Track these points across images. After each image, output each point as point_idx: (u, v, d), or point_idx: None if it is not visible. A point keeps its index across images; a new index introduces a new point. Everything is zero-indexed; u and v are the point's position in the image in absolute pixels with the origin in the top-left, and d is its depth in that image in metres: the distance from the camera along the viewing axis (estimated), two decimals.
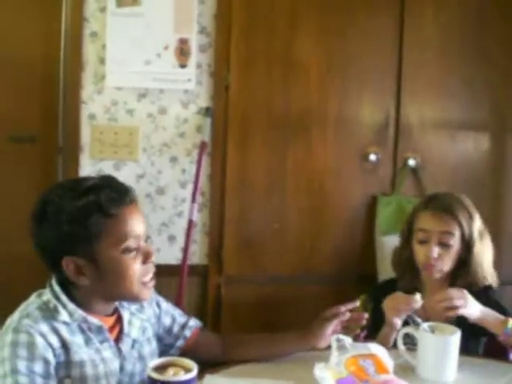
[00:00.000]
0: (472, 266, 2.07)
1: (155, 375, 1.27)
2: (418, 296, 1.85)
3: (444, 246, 2.04)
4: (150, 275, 1.54)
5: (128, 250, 1.48)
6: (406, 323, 1.89)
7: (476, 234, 2.08)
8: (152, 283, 1.56)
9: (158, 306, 1.77)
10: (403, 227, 2.22)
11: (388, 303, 1.93)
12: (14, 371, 1.37)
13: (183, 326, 1.79)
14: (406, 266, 2.16)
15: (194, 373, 1.30)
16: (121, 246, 1.47)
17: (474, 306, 1.87)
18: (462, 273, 2.06)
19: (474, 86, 2.90)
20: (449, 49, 2.87)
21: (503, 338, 1.88)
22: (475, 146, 2.93)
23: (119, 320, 1.62)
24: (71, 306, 1.50)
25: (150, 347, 1.68)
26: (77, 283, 1.49)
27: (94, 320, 1.52)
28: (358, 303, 1.82)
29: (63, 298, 1.51)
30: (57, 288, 1.52)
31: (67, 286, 1.54)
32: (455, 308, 1.84)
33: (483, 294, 1.99)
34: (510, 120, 2.97)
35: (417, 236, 2.09)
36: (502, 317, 1.89)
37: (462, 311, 1.85)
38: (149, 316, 1.72)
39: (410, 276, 2.13)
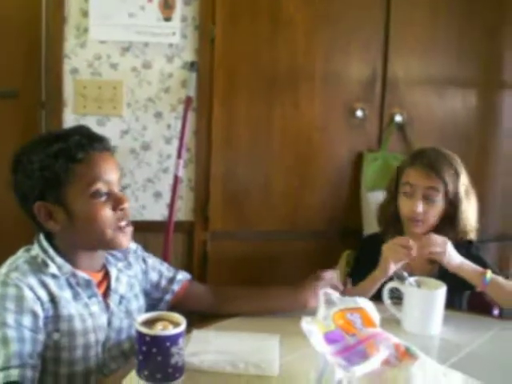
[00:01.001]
0: (457, 223, 2.10)
1: (144, 329, 1.28)
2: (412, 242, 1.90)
3: (428, 200, 2.06)
4: (125, 221, 1.55)
5: (97, 194, 1.50)
6: (390, 278, 1.92)
7: (462, 192, 2.10)
8: (129, 229, 1.57)
9: (144, 261, 1.78)
10: (390, 182, 2.24)
11: (387, 248, 1.95)
12: (3, 324, 1.38)
13: (171, 280, 1.80)
14: (390, 221, 2.21)
15: (183, 327, 1.31)
16: (89, 189, 1.49)
17: (454, 255, 1.92)
18: (447, 228, 2.09)
19: (461, 43, 2.89)
20: (436, 5, 2.85)
21: (481, 289, 1.92)
22: (462, 102, 2.93)
23: (107, 276, 1.62)
24: (59, 259, 1.52)
25: (138, 303, 1.69)
26: (49, 229, 1.52)
27: (82, 274, 1.53)
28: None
29: (51, 252, 1.52)
30: (44, 243, 1.54)
31: (53, 242, 1.54)
32: (436, 254, 1.90)
33: (463, 248, 2.03)
34: (496, 76, 2.97)
35: (402, 189, 2.11)
36: (481, 268, 1.93)
37: (442, 258, 1.91)
38: (136, 272, 1.73)
39: (394, 230, 2.17)
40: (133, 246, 1.77)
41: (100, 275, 1.61)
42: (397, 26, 2.80)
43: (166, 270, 1.82)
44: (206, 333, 1.58)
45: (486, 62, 2.93)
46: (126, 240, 1.57)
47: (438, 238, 1.92)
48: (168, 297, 1.78)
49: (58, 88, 2.67)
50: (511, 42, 2.92)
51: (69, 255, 1.54)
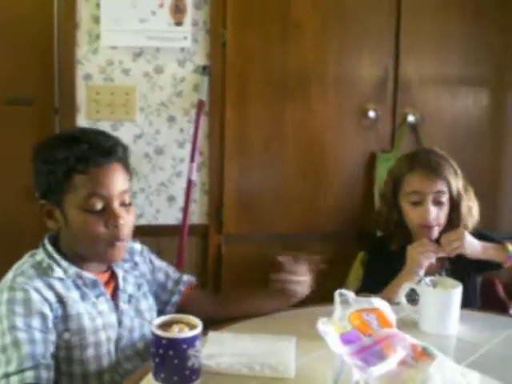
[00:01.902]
0: (461, 219, 2.11)
1: (160, 332, 1.28)
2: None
3: (438, 203, 2.06)
4: (119, 240, 1.53)
5: (91, 208, 1.49)
6: None
7: (462, 189, 2.11)
8: (121, 245, 1.55)
9: (151, 262, 1.78)
10: (384, 191, 2.22)
11: (414, 250, 1.94)
12: (13, 328, 1.39)
13: (177, 282, 1.81)
14: (395, 228, 2.18)
15: (199, 329, 1.31)
16: (83, 203, 1.49)
17: (472, 243, 1.92)
18: (452, 226, 2.09)
19: (474, 42, 2.87)
20: (448, 4, 2.83)
21: (510, 263, 1.92)
22: (474, 101, 2.91)
23: (113, 277, 1.63)
24: (64, 263, 1.53)
25: (147, 302, 1.70)
26: (49, 226, 1.55)
27: (88, 275, 1.54)
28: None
29: (56, 256, 1.54)
30: (49, 247, 1.55)
31: (58, 244, 1.57)
32: (458, 249, 1.90)
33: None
34: (508, 75, 2.95)
35: (409, 199, 2.09)
36: (498, 245, 1.93)
37: (465, 250, 1.90)
38: (143, 272, 1.73)
39: (401, 235, 2.15)
40: (138, 246, 1.77)
41: (106, 275, 1.62)
42: (408, 25, 2.79)
43: (172, 272, 1.83)
44: (222, 335, 1.58)
45: (499, 61, 2.91)
46: (118, 255, 1.56)
47: (452, 235, 1.92)
48: (175, 298, 1.79)
49: (71, 94, 2.69)
50: None
51: (74, 257, 1.55)
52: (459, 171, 2.12)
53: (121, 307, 1.59)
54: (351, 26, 2.78)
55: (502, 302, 2.18)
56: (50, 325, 1.45)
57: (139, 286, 1.69)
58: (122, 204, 1.54)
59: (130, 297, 1.64)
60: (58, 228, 1.56)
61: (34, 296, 1.44)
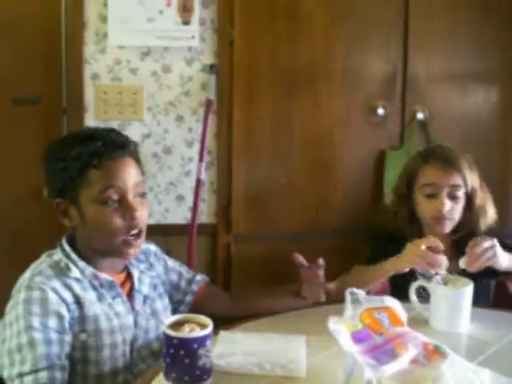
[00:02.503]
0: (476, 215, 2.09)
1: (171, 332, 1.28)
2: (445, 261, 1.79)
3: (453, 198, 2.04)
4: (134, 232, 1.54)
5: (107, 201, 1.51)
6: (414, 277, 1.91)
7: (477, 184, 2.09)
8: (138, 242, 1.56)
9: (165, 262, 1.80)
10: (398, 185, 2.20)
11: (415, 248, 1.85)
12: (29, 328, 1.39)
13: (190, 281, 1.82)
14: (403, 225, 2.15)
15: (210, 329, 1.31)
16: (100, 195, 1.50)
17: (502, 255, 1.86)
18: (466, 223, 2.08)
19: (482, 37, 2.85)
20: (456, 0, 2.81)
21: None
22: (484, 97, 2.89)
23: (129, 277, 1.64)
24: (82, 263, 1.54)
25: (163, 303, 1.70)
26: (65, 225, 1.57)
27: (104, 276, 1.55)
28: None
29: (74, 256, 1.54)
30: (67, 247, 1.56)
31: (74, 244, 1.58)
32: (489, 261, 1.82)
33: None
34: None
35: (423, 191, 2.07)
36: None
37: (495, 263, 1.83)
38: (159, 273, 1.75)
39: (409, 233, 2.10)
40: (153, 248, 1.79)
41: (122, 276, 1.63)
42: (416, 21, 2.78)
43: (185, 271, 1.84)
44: (233, 334, 1.58)
45: (508, 57, 2.89)
46: (134, 252, 1.57)
47: (486, 244, 1.82)
48: (188, 298, 1.80)
49: (78, 94, 2.69)
50: None
51: (90, 258, 1.56)
52: (475, 168, 2.10)
53: (136, 308, 1.60)
54: (360, 22, 2.77)
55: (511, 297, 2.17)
56: (67, 325, 1.45)
57: (155, 287, 1.71)
58: (137, 196, 1.56)
59: (146, 297, 1.65)
60: (73, 226, 1.57)
61: (52, 296, 1.44)
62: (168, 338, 1.28)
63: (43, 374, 1.35)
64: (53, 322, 1.42)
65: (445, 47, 2.82)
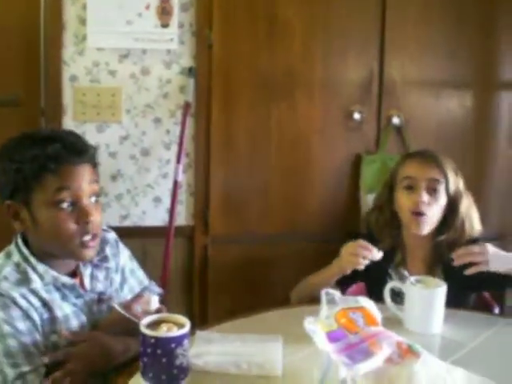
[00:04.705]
0: (458, 222, 2.06)
1: (149, 332, 1.29)
2: (376, 249, 1.87)
3: (432, 192, 2.02)
4: (89, 236, 1.53)
5: (61, 203, 1.48)
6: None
7: (462, 190, 2.09)
8: (93, 243, 1.55)
9: (123, 258, 1.77)
10: (383, 187, 2.20)
11: (347, 248, 1.93)
12: (1, 336, 1.40)
13: (145, 289, 1.79)
14: (384, 228, 2.14)
15: (187, 328, 1.32)
16: (53, 197, 1.47)
17: (498, 259, 1.83)
18: (446, 229, 2.06)
19: (456, 43, 2.89)
20: (431, 7, 2.86)
21: None
22: (459, 103, 2.94)
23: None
24: (41, 267, 1.52)
25: (118, 297, 1.68)
26: (15, 227, 1.54)
27: (65, 279, 1.54)
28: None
29: (32, 260, 1.53)
30: (25, 250, 1.54)
31: (27, 246, 1.55)
32: (476, 264, 1.82)
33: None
34: (492, 77, 2.98)
35: (402, 184, 2.06)
36: None
37: (484, 267, 1.82)
38: (115, 265, 1.72)
39: (389, 237, 2.12)
40: (112, 236, 1.76)
41: (79, 277, 1.62)
42: (392, 28, 2.82)
43: (142, 276, 1.83)
44: (210, 334, 1.59)
45: (482, 62, 2.94)
46: (89, 254, 1.56)
47: (476, 249, 1.84)
48: None
49: (57, 95, 2.69)
50: (505, 40, 2.93)
51: (45, 259, 1.54)
52: (460, 174, 2.11)
53: (93, 309, 1.60)
54: (337, 29, 2.80)
55: (486, 302, 2.20)
56: (38, 328, 1.46)
57: (111, 282, 1.69)
58: (92, 201, 1.54)
59: (101, 295, 1.63)
60: (25, 229, 1.54)
61: (20, 301, 1.45)
62: (145, 337, 1.29)
63: (30, 377, 1.39)
64: (23, 326, 1.43)
65: (420, 55, 2.87)
